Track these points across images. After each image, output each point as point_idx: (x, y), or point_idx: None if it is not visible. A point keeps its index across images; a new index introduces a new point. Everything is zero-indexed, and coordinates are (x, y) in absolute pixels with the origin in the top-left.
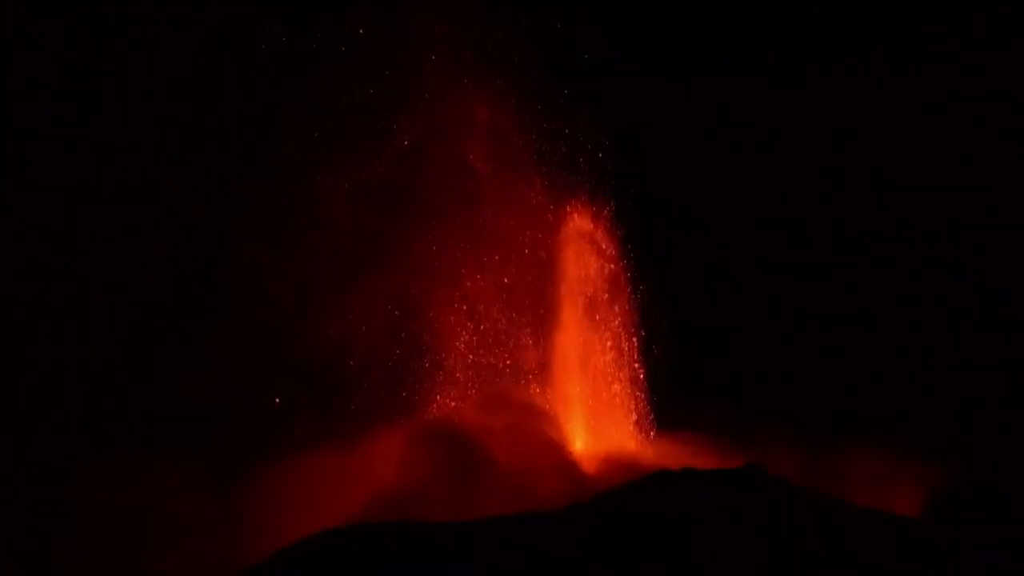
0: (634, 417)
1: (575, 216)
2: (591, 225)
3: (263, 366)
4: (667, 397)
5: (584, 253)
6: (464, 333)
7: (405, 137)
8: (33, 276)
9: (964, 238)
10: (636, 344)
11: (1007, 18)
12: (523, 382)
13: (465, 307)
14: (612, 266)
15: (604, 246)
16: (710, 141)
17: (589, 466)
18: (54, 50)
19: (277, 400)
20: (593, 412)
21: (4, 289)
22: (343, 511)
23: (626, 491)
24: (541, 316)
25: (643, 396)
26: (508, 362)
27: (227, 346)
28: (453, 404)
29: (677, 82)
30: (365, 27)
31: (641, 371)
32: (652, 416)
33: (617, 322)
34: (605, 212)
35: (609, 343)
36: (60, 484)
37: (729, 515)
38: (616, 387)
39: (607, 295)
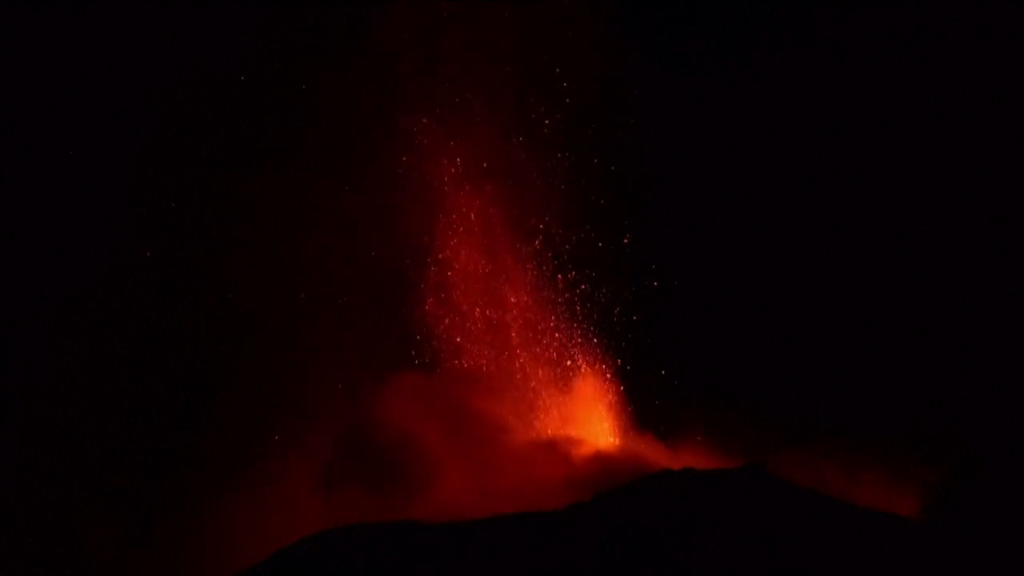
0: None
1: None
2: None
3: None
4: (667, 398)
5: None
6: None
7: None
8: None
9: (964, 238)
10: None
11: (1005, 15)
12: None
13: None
14: None
15: None
16: (709, 140)
17: (574, 461)
18: (53, 50)
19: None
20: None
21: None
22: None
23: (626, 490)
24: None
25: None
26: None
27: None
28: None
29: (676, 80)
30: (359, 25)
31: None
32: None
33: None
34: None
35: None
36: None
37: (729, 515)
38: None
39: None
